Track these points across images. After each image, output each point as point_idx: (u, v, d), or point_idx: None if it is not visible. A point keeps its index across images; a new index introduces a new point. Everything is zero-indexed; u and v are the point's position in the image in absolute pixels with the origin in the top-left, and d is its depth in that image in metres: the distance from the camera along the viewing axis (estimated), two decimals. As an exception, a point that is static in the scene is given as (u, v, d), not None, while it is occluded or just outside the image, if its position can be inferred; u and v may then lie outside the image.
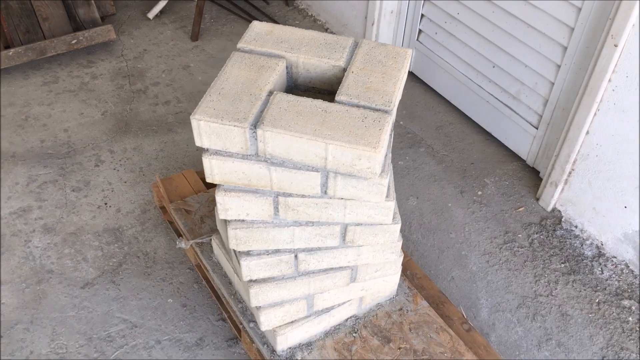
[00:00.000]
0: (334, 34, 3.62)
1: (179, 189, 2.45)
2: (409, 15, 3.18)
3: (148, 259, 2.36)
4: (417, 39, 3.20)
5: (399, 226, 1.73)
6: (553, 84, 2.55)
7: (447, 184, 2.77)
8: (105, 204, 2.55)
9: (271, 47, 1.70)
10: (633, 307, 2.32)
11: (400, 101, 3.17)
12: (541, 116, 2.68)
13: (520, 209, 2.68)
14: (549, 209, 2.66)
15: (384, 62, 1.68)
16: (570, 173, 2.51)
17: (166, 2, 3.63)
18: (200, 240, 2.23)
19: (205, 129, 1.50)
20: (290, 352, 1.95)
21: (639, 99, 2.13)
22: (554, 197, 2.62)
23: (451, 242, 2.52)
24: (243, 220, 1.67)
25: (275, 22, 3.70)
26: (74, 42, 3.23)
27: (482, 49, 2.82)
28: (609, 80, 2.20)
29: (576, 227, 2.58)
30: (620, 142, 2.26)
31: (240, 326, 2.05)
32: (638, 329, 2.25)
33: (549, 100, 2.60)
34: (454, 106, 3.15)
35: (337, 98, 1.56)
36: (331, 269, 1.81)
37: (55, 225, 2.45)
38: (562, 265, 2.45)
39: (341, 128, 1.48)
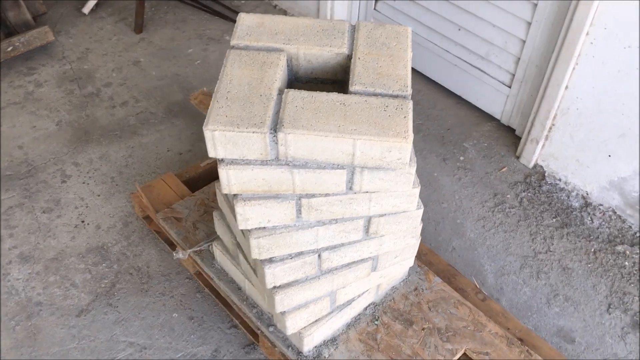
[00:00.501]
0: (286, 12, 3.50)
1: (162, 196, 2.32)
2: (363, -16, 3.10)
3: (142, 274, 2.23)
4: (374, 8, 3.12)
5: (422, 211, 1.68)
6: (524, 41, 2.55)
7: (429, 153, 2.75)
8: (82, 222, 2.38)
9: (268, 41, 1.59)
10: (627, 252, 2.39)
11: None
12: (514, 75, 2.68)
13: (504, 169, 2.70)
14: (531, 165, 2.69)
15: (387, 44, 1.61)
16: (550, 128, 2.54)
17: (100, -6, 3.40)
18: (198, 249, 2.12)
19: (221, 139, 1.40)
20: (316, 350, 1.90)
21: (619, 50, 2.15)
22: (535, 154, 2.65)
23: (445, 212, 2.51)
24: (264, 228, 1.58)
25: (225, 7, 3.52)
26: (9, 49, 2.97)
27: (446, 13, 2.79)
28: (587, 34, 2.22)
29: (560, 180, 2.63)
30: (601, 93, 2.30)
31: (258, 331, 1.97)
32: (635, 272, 2.33)
33: (521, 58, 2.60)
34: (421, 73, 3.11)
35: (351, 88, 1.48)
36: (353, 262, 1.76)
37: (32, 252, 2.27)
38: (554, 220, 2.50)
39: (365, 121, 1.40)
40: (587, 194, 2.57)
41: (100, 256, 2.27)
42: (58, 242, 2.31)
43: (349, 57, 1.59)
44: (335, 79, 1.66)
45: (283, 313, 1.76)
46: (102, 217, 2.40)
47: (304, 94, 1.46)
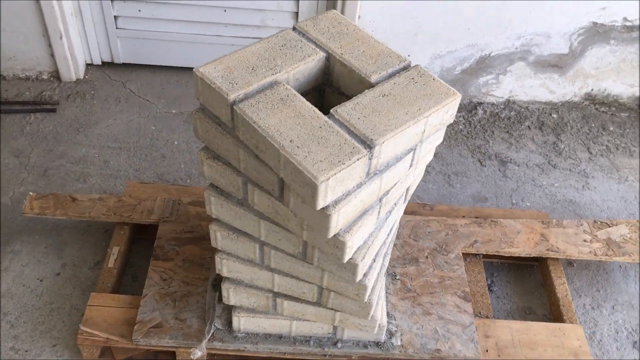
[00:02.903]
0: (5, 77, 2.92)
1: (112, 318, 1.94)
2: (93, 8, 2.77)
3: (157, 405, 1.88)
4: (116, 28, 2.85)
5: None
6: (298, -5, 2.73)
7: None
8: (32, 413, 1.84)
9: (258, 80, 1.47)
10: (455, 119, 2.93)
11: (137, 92, 2.88)
12: (296, 28, 2.85)
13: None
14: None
15: (342, 32, 1.64)
16: (354, 57, 2.83)
17: None
18: (211, 334, 1.89)
19: (332, 184, 1.32)
20: (387, 332, 1.96)
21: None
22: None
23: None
24: (359, 248, 1.54)
25: None
26: None
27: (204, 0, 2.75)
28: (366, -34, 2.52)
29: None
30: (390, 10, 2.66)
31: (325, 357, 1.92)
32: (470, 128, 2.89)
33: (299, 11, 2.78)
34: (196, 68, 3.03)
35: (372, 80, 1.51)
36: (392, 234, 1.84)
37: None
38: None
39: (415, 98, 1.47)
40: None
41: None
42: None
43: (327, 59, 1.59)
44: (315, 85, 1.63)
45: (373, 315, 1.77)
46: (48, 392, 1.89)
47: (349, 105, 1.44)
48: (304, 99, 1.45)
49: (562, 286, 2.22)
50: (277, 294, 1.79)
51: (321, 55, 1.57)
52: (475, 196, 2.62)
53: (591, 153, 2.87)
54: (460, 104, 2.99)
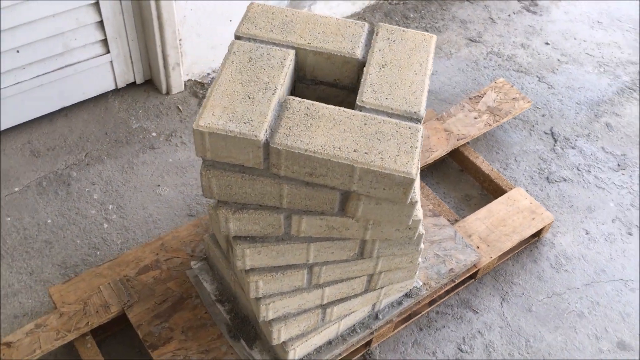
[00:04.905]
0: None
1: None
2: None
3: None
4: None
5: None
6: (97, 3, 2.34)
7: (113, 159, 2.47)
8: None
9: (267, 106, 1.30)
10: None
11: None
12: (105, 38, 2.47)
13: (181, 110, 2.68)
14: (183, 87, 2.73)
15: (287, 21, 1.52)
16: (180, 43, 2.58)
17: None
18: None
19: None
20: (405, 279, 2.00)
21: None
22: (182, 75, 2.69)
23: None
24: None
25: None
26: None
27: (-13, 50, 2.21)
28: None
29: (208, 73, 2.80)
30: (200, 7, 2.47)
31: (366, 348, 1.91)
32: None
33: (104, 19, 2.40)
34: (11, 128, 2.47)
35: (358, 55, 1.43)
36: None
37: None
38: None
39: (408, 56, 1.46)
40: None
41: None
42: None
43: (296, 54, 1.44)
44: (292, 85, 1.48)
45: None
46: None
47: (366, 89, 1.36)
48: (324, 104, 1.32)
49: (483, 163, 2.46)
50: (325, 305, 1.69)
51: (292, 53, 1.43)
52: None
53: (413, 43, 3.11)
54: (288, 48, 2.95)
